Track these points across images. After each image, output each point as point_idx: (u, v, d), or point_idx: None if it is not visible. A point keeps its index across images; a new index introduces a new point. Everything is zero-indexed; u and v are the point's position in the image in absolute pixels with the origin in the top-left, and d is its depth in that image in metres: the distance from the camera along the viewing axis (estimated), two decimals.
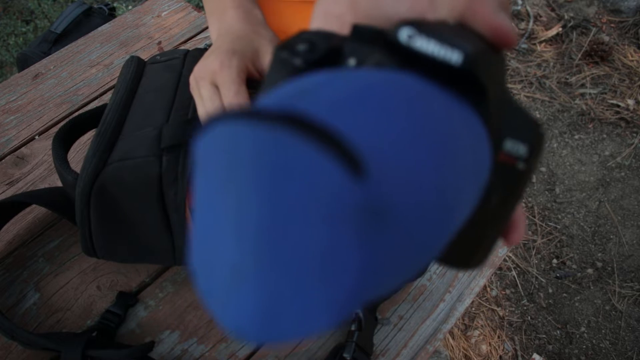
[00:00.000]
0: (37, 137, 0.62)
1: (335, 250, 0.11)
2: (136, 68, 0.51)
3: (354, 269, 0.11)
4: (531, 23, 1.88)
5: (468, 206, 0.16)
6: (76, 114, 0.64)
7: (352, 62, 0.18)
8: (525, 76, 1.75)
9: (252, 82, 0.42)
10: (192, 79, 0.42)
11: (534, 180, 1.51)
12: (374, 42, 0.18)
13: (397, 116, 0.13)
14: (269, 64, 0.20)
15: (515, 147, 0.18)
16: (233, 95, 0.39)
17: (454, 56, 0.16)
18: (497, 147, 0.18)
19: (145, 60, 0.53)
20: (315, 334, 0.11)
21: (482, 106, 0.17)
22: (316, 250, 0.11)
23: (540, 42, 1.85)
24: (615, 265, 1.36)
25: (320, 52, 0.18)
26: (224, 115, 0.11)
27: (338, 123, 0.11)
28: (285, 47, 0.18)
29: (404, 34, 0.17)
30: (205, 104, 0.40)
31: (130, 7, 1.74)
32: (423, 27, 0.17)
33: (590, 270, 1.36)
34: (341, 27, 0.22)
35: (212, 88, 0.40)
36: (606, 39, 1.84)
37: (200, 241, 0.12)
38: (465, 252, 0.20)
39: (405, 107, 0.13)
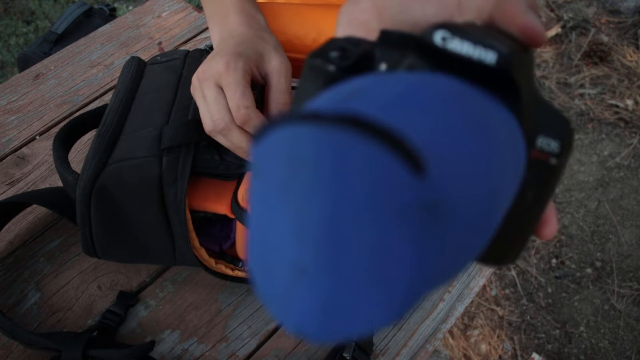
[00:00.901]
0: (37, 137, 0.62)
1: (393, 248, 0.11)
2: (136, 68, 0.51)
3: (411, 265, 0.11)
4: None
5: (508, 201, 0.16)
6: (77, 114, 0.64)
7: (383, 66, 0.19)
8: None
9: (253, 85, 0.42)
10: (195, 80, 0.41)
11: None
12: (404, 46, 0.19)
13: (445, 113, 0.13)
14: (302, 74, 0.20)
15: (547, 144, 0.18)
16: (239, 98, 0.38)
17: (488, 56, 0.16)
18: (531, 144, 0.18)
19: (146, 60, 0.54)
20: (375, 330, 0.12)
21: (516, 104, 0.17)
22: (375, 247, 0.11)
23: None
24: (614, 265, 1.36)
25: (352, 58, 0.19)
26: (284, 119, 0.11)
27: (393, 121, 0.11)
28: (318, 54, 0.19)
29: (438, 37, 0.17)
30: (209, 105, 0.40)
31: (130, 8, 1.74)
32: (456, 29, 0.17)
33: (589, 270, 1.36)
34: (367, 33, 0.22)
35: (217, 89, 0.40)
36: (605, 39, 1.85)
37: (259, 243, 0.13)
38: (501, 248, 0.20)
39: (450, 105, 0.14)
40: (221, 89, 0.39)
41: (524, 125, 0.18)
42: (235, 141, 0.40)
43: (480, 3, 0.19)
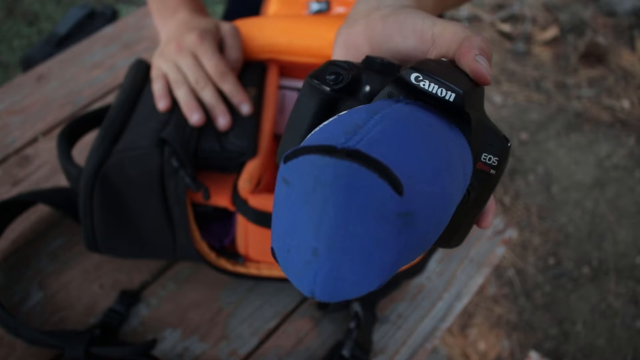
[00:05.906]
0: (40, 137, 0.63)
1: (383, 240, 0.17)
2: (145, 70, 0.52)
3: (394, 251, 0.17)
4: (528, 25, 1.90)
5: (456, 203, 0.22)
6: (80, 114, 0.65)
7: (367, 88, 0.25)
8: (523, 78, 1.77)
9: (249, 82, 0.49)
10: (162, 58, 0.48)
11: (532, 180, 1.52)
12: (384, 73, 0.25)
13: (420, 148, 0.19)
14: (302, 89, 0.25)
15: (489, 159, 0.25)
16: (217, 59, 0.46)
17: (449, 95, 0.23)
18: (477, 158, 0.25)
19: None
20: (366, 292, 0.18)
21: (467, 129, 0.23)
22: (368, 239, 0.17)
23: (537, 45, 1.86)
24: (610, 264, 1.37)
25: (344, 82, 0.25)
26: (310, 149, 0.17)
27: (383, 154, 0.17)
28: (316, 76, 0.25)
29: (413, 76, 0.23)
30: (187, 71, 0.46)
31: (132, 9, 1.75)
32: (426, 70, 0.23)
33: (586, 269, 1.37)
34: (357, 54, 0.27)
35: (193, 57, 0.47)
36: (602, 41, 1.86)
37: (282, 230, 0.19)
38: (450, 235, 0.26)
39: (424, 139, 0.20)
40: (196, 57, 0.47)
41: (473, 144, 0.24)
42: (210, 95, 0.46)
43: (448, 43, 0.24)
